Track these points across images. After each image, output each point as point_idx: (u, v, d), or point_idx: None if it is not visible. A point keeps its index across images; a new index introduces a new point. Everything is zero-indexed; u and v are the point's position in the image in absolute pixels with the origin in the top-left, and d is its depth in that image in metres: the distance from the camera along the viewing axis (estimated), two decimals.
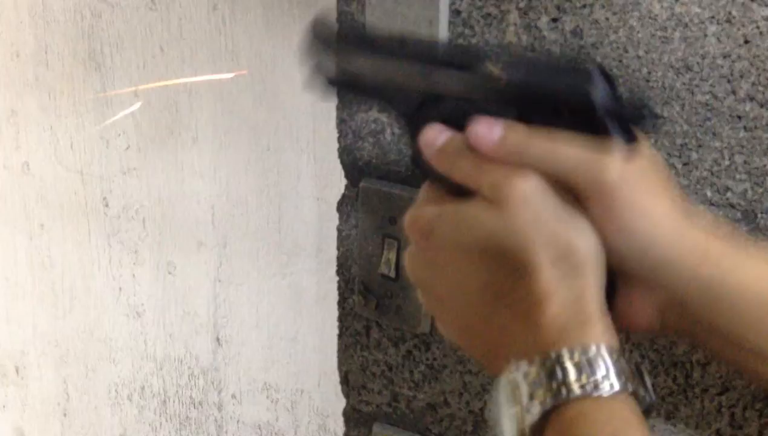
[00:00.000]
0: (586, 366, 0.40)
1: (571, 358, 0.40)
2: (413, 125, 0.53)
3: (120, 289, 2.04)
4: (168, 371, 2.00)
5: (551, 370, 0.40)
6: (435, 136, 0.49)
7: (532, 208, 0.43)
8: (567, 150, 0.45)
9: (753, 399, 0.69)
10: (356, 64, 0.56)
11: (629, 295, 0.45)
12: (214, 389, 1.94)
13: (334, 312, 1.79)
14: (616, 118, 0.46)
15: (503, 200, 0.44)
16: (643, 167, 0.45)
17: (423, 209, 0.48)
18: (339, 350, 0.75)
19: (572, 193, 0.45)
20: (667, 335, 0.53)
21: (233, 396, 1.91)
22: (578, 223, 0.43)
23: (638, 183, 0.44)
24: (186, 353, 1.96)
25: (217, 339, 1.92)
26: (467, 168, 0.46)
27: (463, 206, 0.46)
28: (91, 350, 2.13)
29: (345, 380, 0.76)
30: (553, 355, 0.40)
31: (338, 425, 1.86)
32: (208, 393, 1.95)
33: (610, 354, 0.41)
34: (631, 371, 0.42)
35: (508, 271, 0.43)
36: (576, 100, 0.46)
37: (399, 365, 0.71)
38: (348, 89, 0.58)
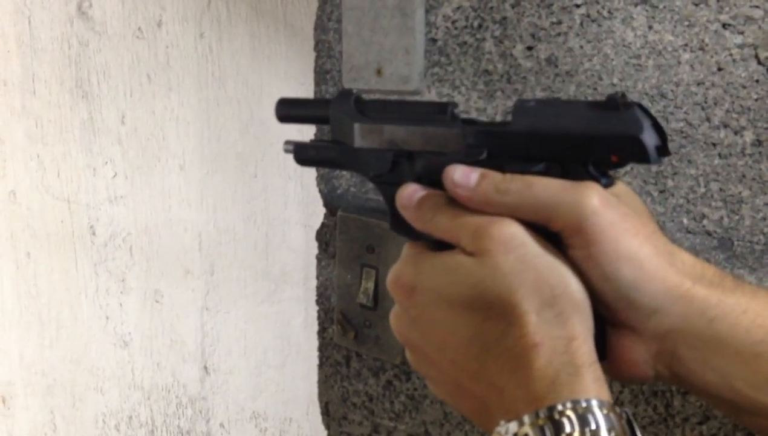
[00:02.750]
0: (577, 422, 0.39)
1: (562, 414, 0.39)
2: (388, 186, 0.51)
3: (107, 318, 2.03)
4: (156, 401, 1.98)
5: (541, 428, 0.39)
6: (410, 195, 0.47)
7: (513, 256, 0.42)
8: (546, 193, 0.43)
9: (734, 429, 0.68)
10: (321, 145, 0.57)
11: (620, 343, 0.43)
12: (202, 418, 1.92)
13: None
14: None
15: (483, 249, 0.42)
16: (622, 207, 0.44)
17: (404, 268, 0.47)
18: (319, 381, 0.73)
19: (554, 238, 0.44)
20: (663, 383, 0.52)
21: (221, 425, 1.89)
22: (562, 269, 0.42)
23: (619, 225, 0.42)
24: (174, 382, 1.95)
25: (205, 368, 1.90)
26: (445, 223, 0.45)
27: (444, 259, 0.45)
28: (79, 380, 2.11)
29: (326, 411, 0.75)
30: (542, 413, 0.39)
31: None
32: (196, 422, 1.93)
33: (601, 408, 0.39)
34: (621, 425, 0.41)
35: (493, 321, 0.42)
36: (622, 144, 0.43)
37: (379, 396, 0.70)
38: (317, 164, 0.60)
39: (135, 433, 2.06)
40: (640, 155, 0.43)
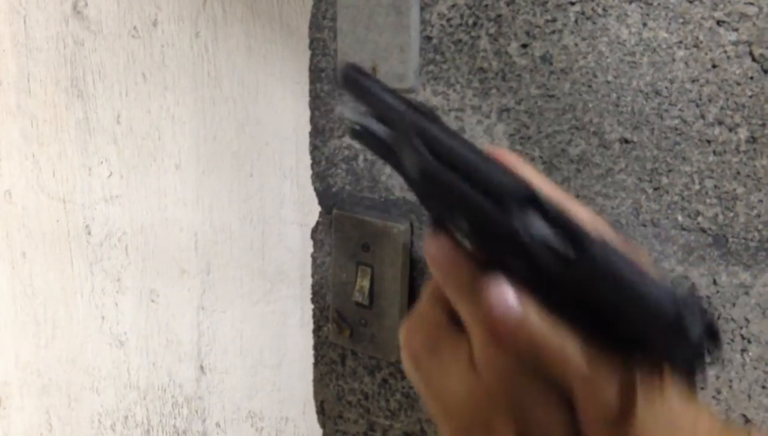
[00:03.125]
0: None
1: None
2: (423, 191, 0.44)
3: (103, 317, 2.03)
4: (151, 400, 1.98)
5: None
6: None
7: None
8: (604, 371, 0.35)
9: None
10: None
11: None
12: (198, 418, 1.92)
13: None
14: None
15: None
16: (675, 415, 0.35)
17: (415, 333, 0.42)
18: (315, 379, 0.73)
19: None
20: None
21: (217, 425, 1.88)
22: None
23: None
24: (170, 382, 1.94)
25: (201, 367, 1.90)
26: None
27: (450, 366, 0.39)
28: (74, 380, 2.10)
29: (321, 410, 0.74)
30: None
31: None
32: (192, 422, 1.93)
33: None
34: None
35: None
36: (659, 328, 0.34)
37: (375, 394, 0.70)
38: (367, 144, 0.51)
39: (131, 433, 2.06)
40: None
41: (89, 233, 1.98)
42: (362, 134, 0.47)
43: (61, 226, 2.01)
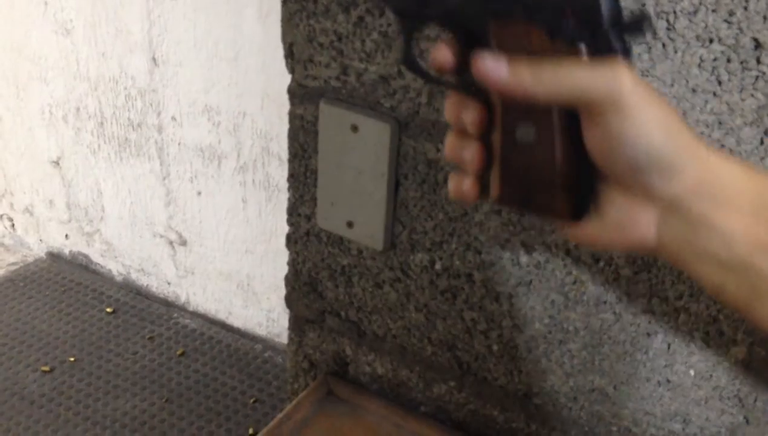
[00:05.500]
0: None
1: None
2: (409, 24, 0.47)
3: (46, 3, 1.90)
4: (103, 92, 1.93)
5: None
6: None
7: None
8: (577, 71, 0.41)
9: None
10: None
11: (629, 205, 0.43)
12: (153, 111, 1.89)
13: (278, 29, 1.70)
14: (619, 29, 0.43)
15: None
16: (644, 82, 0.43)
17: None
18: (283, 20, 0.68)
19: (586, 112, 0.42)
20: (656, 255, 0.51)
21: (173, 118, 1.86)
22: None
23: (649, 94, 0.41)
24: (121, 73, 1.88)
25: (153, 59, 1.83)
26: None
27: None
28: (21, 69, 2.02)
29: (290, 53, 0.70)
30: None
31: (282, 148, 1.85)
32: (147, 115, 1.90)
33: None
34: None
35: None
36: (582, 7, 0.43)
37: (349, 34, 0.65)
38: None
39: (83, 124, 2.02)
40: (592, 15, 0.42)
41: None
42: None
43: None
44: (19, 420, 1.57)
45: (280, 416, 0.73)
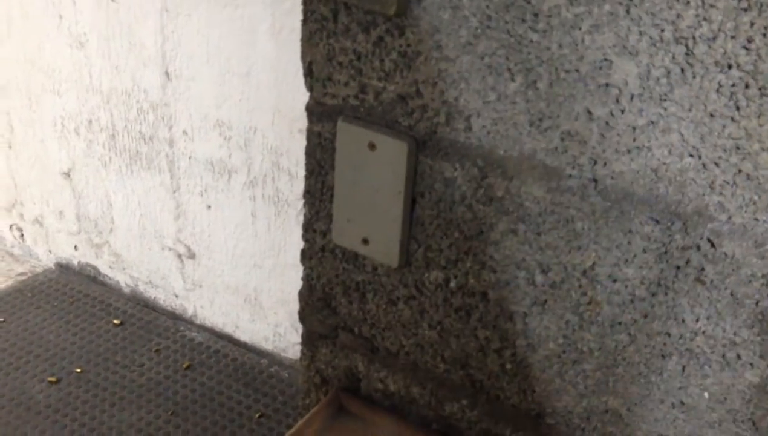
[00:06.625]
0: None
1: None
2: None
3: (60, 16, 1.92)
4: (116, 105, 1.94)
5: None
6: None
7: None
8: None
9: None
10: None
11: None
12: (165, 125, 1.90)
13: (290, 45, 1.72)
14: None
15: None
16: None
17: None
18: (303, 39, 0.69)
19: None
20: None
21: (185, 132, 1.87)
22: None
23: None
24: (134, 87, 1.90)
25: (166, 73, 1.84)
26: None
27: None
28: (34, 81, 2.04)
29: (309, 72, 0.71)
30: None
31: (291, 163, 1.86)
32: (159, 129, 1.91)
33: None
34: None
35: None
36: None
37: (368, 53, 0.66)
38: None
39: (95, 137, 2.04)
40: None
41: None
42: None
43: None
44: (25, 430, 1.58)
45: (291, 431, 0.74)
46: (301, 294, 0.80)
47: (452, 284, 0.68)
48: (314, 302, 0.78)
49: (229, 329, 1.99)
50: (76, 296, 2.06)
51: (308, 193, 0.74)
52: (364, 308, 0.75)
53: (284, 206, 1.80)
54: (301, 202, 1.69)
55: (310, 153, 0.73)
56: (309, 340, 0.80)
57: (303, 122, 0.73)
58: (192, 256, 1.98)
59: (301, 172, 1.64)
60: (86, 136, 2.04)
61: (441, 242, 0.67)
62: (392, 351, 0.75)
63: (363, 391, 0.78)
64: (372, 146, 0.67)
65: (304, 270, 0.79)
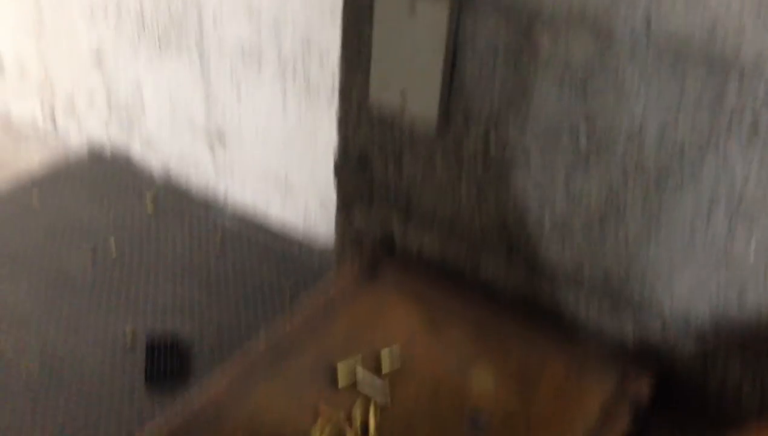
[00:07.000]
0: None
1: None
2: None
3: None
4: None
5: None
6: None
7: None
8: None
9: None
10: None
11: None
12: (195, 7, 1.87)
13: None
14: None
15: None
16: None
17: None
18: None
19: None
20: None
21: (213, 15, 1.84)
22: None
23: None
24: None
25: None
26: None
27: None
28: None
29: None
30: None
31: (323, 47, 1.83)
32: (188, 12, 1.89)
33: None
34: None
35: None
36: None
37: None
38: None
39: (124, 21, 2.02)
40: None
41: None
42: None
43: None
44: (63, 304, 1.63)
45: (326, 285, 0.75)
46: (336, 161, 0.80)
47: (492, 143, 0.68)
48: (351, 166, 0.79)
49: (260, 215, 2.02)
50: (109, 180, 2.09)
51: (345, 61, 0.74)
52: (401, 171, 0.75)
53: (315, 91, 1.79)
54: (331, 87, 1.68)
55: (347, 19, 0.72)
56: (344, 201, 0.81)
57: (334, 2, 0.72)
58: (222, 141, 1.99)
59: (333, 56, 1.62)
60: (116, 20, 2.02)
61: (482, 100, 0.67)
62: (428, 212, 0.75)
63: (398, 252, 0.80)
64: (412, 7, 0.66)
65: (339, 136, 0.79)
